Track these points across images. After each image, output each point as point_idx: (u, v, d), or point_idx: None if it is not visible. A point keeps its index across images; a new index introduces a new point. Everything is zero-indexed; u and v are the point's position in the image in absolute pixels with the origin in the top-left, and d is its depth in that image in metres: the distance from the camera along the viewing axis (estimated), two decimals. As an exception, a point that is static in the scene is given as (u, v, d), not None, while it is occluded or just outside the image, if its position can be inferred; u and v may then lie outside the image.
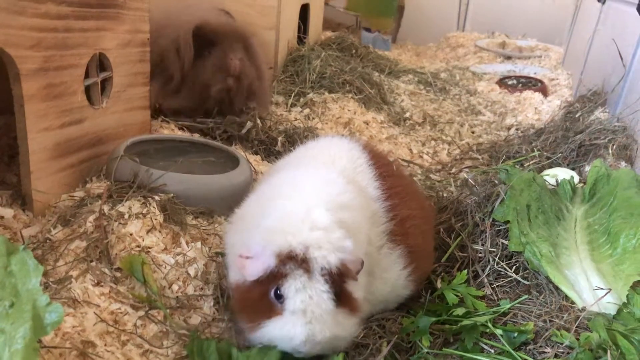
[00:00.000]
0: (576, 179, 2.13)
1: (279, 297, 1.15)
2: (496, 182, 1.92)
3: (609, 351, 1.21)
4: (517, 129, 3.03)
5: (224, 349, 1.19)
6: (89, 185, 1.64)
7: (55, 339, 1.13)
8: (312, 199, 1.22)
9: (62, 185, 1.66)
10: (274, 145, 2.24)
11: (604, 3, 3.37)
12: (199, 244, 1.50)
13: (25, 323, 0.90)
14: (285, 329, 1.13)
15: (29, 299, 0.94)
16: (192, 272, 1.42)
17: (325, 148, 1.54)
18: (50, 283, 1.25)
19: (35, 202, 1.55)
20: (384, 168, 1.51)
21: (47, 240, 1.38)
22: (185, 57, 2.26)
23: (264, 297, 1.15)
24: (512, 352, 1.30)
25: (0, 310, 0.93)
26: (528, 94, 3.50)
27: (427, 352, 1.32)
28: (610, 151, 2.30)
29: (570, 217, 1.85)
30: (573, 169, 2.33)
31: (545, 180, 2.08)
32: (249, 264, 1.15)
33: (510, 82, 3.76)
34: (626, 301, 1.46)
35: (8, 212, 1.49)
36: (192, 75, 2.29)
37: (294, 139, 2.26)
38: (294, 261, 1.13)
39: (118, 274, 1.35)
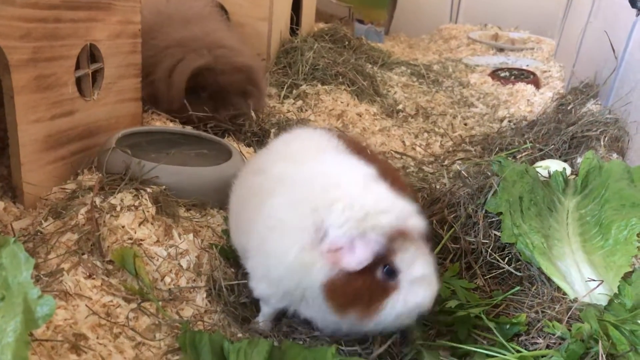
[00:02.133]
0: (568, 170, 2.14)
1: (390, 273, 1.17)
2: (489, 174, 1.92)
3: (600, 342, 1.21)
4: (509, 121, 3.03)
5: (216, 340, 1.19)
6: (80, 178, 1.63)
7: (47, 332, 1.12)
8: (362, 181, 1.25)
9: (53, 178, 1.65)
10: (267, 137, 2.22)
11: (596, -5, 3.37)
12: (191, 236, 1.49)
13: (16, 316, 0.89)
14: (409, 299, 1.17)
15: (19, 292, 0.93)
16: (184, 264, 1.42)
17: (307, 140, 1.51)
18: (42, 276, 1.24)
19: (26, 194, 1.54)
20: (364, 154, 1.50)
21: (38, 233, 1.38)
22: (174, 97, 2.18)
23: (372, 280, 1.16)
24: (505, 343, 1.31)
25: (-9, 304, 0.93)
26: (520, 86, 3.50)
27: (420, 344, 1.33)
28: (602, 143, 2.31)
29: (563, 208, 1.86)
30: (565, 161, 2.33)
31: (537, 172, 2.09)
32: (344, 255, 1.14)
33: (502, 74, 3.76)
34: (617, 292, 1.47)
35: (-2, 205, 1.48)
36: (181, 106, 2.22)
37: (286, 131, 2.25)
38: (400, 236, 1.16)
39: (110, 267, 1.35)
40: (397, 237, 1.16)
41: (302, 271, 1.19)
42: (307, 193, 1.23)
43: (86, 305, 1.21)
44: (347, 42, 3.65)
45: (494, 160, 1.92)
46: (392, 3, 5.21)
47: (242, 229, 1.37)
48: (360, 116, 2.75)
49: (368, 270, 1.15)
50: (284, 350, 1.23)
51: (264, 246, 1.24)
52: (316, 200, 1.20)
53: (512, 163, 1.91)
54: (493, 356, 1.28)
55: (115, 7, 1.85)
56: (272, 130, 2.22)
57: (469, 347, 1.31)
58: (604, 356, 1.19)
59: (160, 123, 2.18)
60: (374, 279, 1.16)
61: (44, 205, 1.53)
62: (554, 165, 2.19)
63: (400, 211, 1.19)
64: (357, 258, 1.14)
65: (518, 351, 1.29)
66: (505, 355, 1.27)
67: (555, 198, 1.88)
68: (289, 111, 2.59)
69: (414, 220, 1.20)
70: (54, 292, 1.22)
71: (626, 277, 1.53)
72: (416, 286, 1.17)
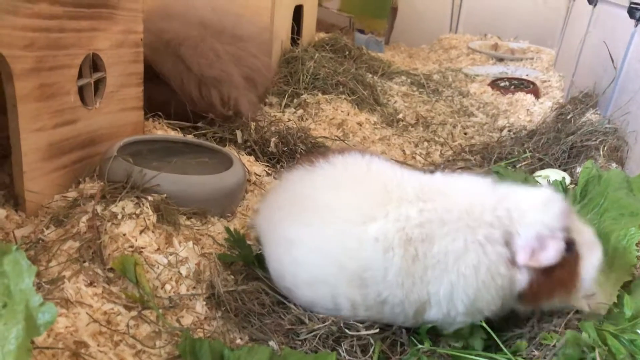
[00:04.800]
0: (568, 180, 2.15)
1: (570, 248, 1.29)
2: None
3: (597, 349, 1.21)
4: (509, 131, 3.05)
5: (216, 348, 1.20)
6: (82, 186, 1.64)
7: (47, 340, 1.13)
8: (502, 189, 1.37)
9: (55, 186, 1.66)
10: (267, 147, 2.24)
11: (595, 5, 3.39)
12: (191, 244, 1.50)
13: (18, 323, 0.89)
14: (594, 259, 1.32)
15: (21, 300, 0.93)
16: (184, 272, 1.42)
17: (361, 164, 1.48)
18: (43, 283, 1.25)
19: (28, 202, 1.55)
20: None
21: (40, 241, 1.38)
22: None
23: (562, 262, 1.27)
24: (505, 349, 1.31)
25: (-7, 311, 0.93)
26: (520, 95, 3.52)
27: (421, 351, 1.33)
28: (601, 153, 2.32)
29: (562, 218, 1.87)
30: (565, 170, 2.35)
31: (537, 181, 2.10)
32: (540, 255, 1.26)
33: (502, 84, 3.78)
34: (616, 301, 1.47)
35: (0, 213, 1.49)
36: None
37: (287, 139, 2.27)
38: (567, 213, 1.30)
39: (111, 274, 1.35)
40: (566, 216, 1.29)
41: (502, 290, 1.29)
42: (471, 220, 1.29)
43: (87, 313, 1.22)
44: (347, 52, 3.68)
45: (494, 170, 1.93)
46: (393, 13, 5.25)
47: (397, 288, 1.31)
48: (361, 125, 2.76)
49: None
50: (284, 357, 1.23)
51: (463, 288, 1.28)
52: (489, 221, 1.28)
53: (511, 172, 1.92)
54: (492, 363, 1.29)
55: (117, 16, 1.87)
56: (272, 140, 2.23)
57: (467, 355, 1.32)
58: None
59: (162, 131, 2.19)
60: (564, 260, 1.28)
61: (45, 213, 1.54)
62: (554, 174, 2.21)
63: (554, 195, 1.33)
64: (554, 251, 1.26)
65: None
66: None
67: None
68: (289, 120, 2.60)
69: (561, 195, 1.34)
70: (55, 299, 1.22)
71: (625, 286, 1.54)
72: (591, 247, 1.33)
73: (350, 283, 1.31)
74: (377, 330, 1.34)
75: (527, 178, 1.89)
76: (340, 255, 1.30)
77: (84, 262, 1.34)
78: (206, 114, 2.32)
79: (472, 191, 1.36)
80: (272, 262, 1.45)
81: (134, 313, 1.27)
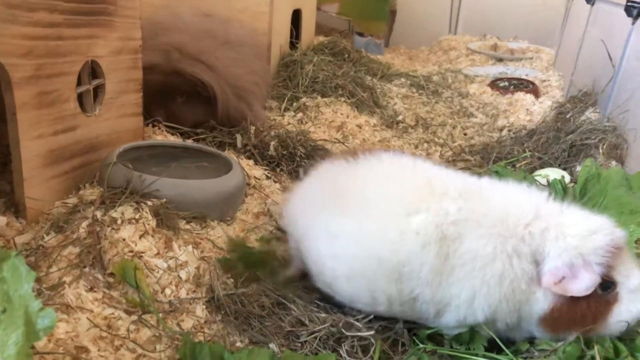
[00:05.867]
0: (567, 178, 2.15)
1: (607, 287, 1.23)
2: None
3: (596, 347, 1.22)
4: (509, 130, 3.05)
5: (216, 351, 1.20)
6: (82, 192, 1.65)
7: (48, 345, 1.14)
8: (555, 206, 1.33)
9: (56, 192, 1.67)
10: (267, 150, 2.25)
11: (593, 4, 3.39)
12: (190, 248, 1.50)
13: (17, 329, 0.90)
14: (632, 308, 1.24)
15: (21, 305, 0.94)
16: (184, 276, 1.43)
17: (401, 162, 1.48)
18: (44, 289, 1.26)
19: (29, 209, 1.56)
20: None
21: (40, 247, 1.39)
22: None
23: (593, 299, 1.23)
24: (507, 350, 1.31)
25: (-7, 317, 0.94)
26: (520, 95, 3.52)
27: (423, 351, 1.33)
28: (600, 151, 2.32)
29: (561, 216, 1.87)
30: (565, 169, 2.35)
31: (536, 180, 2.10)
32: (570, 284, 1.21)
33: (502, 84, 3.79)
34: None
35: (1, 220, 1.50)
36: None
37: (287, 143, 2.28)
38: (615, 251, 1.22)
39: (111, 279, 1.36)
40: (612, 253, 1.22)
41: (519, 305, 1.26)
42: (503, 229, 1.26)
43: (87, 318, 1.23)
44: (346, 55, 3.69)
45: (492, 170, 1.93)
46: (392, 16, 5.26)
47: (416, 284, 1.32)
48: (360, 127, 2.77)
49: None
50: (283, 359, 1.24)
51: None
52: (524, 234, 1.25)
53: (510, 172, 1.92)
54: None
55: (115, 23, 1.88)
56: (272, 143, 2.24)
57: (468, 356, 1.32)
58: (600, 360, 1.19)
59: (162, 137, 2.20)
60: (595, 297, 1.23)
61: (46, 219, 1.55)
62: (553, 173, 2.21)
63: (607, 228, 1.25)
64: (584, 284, 1.20)
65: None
66: (504, 362, 1.28)
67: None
68: (289, 123, 2.61)
69: (619, 232, 1.26)
70: (56, 305, 1.23)
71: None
72: (635, 294, 1.24)
73: (389, 277, 1.31)
74: (374, 332, 1.34)
75: (526, 177, 1.90)
76: (380, 249, 1.30)
77: (84, 267, 1.35)
78: (237, 125, 2.34)
79: (513, 200, 1.33)
80: (311, 256, 1.43)
81: (134, 317, 1.28)
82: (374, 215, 1.33)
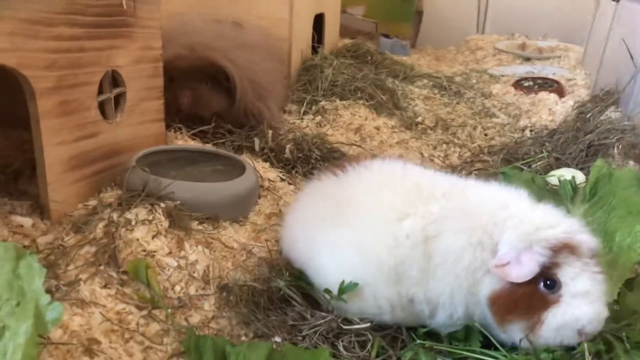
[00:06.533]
0: (582, 178, 2.15)
1: (551, 286, 1.23)
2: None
3: (585, 344, 1.23)
4: (530, 131, 3.04)
5: (219, 344, 1.27)
6: (102, 195, 1.75)
7: (63, 337, 1.23)
8: (527, 201, 1.37)
9: (79, 195, 1.77)
10: (283, 153, 2.32)
11: (618, 1, 3.35)
12: (201, 248, 1.58)
13: (28, 320, 0.99)
14: (568, 312, 1.21)
15: (32, 299, 1.03)
16: (194, 274, 1.51)
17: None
18: (61, 285, 1.35)
19: (53, 211, 1.66)
20: None
21: (60, 247, 1.49)
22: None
23: (533, 292, 1.24)
24: (500, 347, 1.34)
25: (8, 309, 1.04)
26: (543, 95, 3.50)
27: (420, 344, 1.37)
28: (616, 150, 2.31)
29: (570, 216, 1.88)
30: (582, 169, 2.34)
31: (547, 181, 2.11)
32: (511, 268, 1.23)
33: (526, 84, 3.77)
34: (616, 298, 1.49)
35: (27, 221, 1.61)
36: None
37: (302, 146, 2.34)
38: (565, 249, 1.23)
39: (125, 277, 1.45)
40: (562, 250, 1.22)
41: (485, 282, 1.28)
42: (473, 224, 1.30)
43: (100, 313, 1.32)
44: (369, 58, 3.74)
45: (500, 171, 1.95)
46: (418, 16, 5.27)
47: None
48: (378, 129, 2.82)
49: (530, 282, 1.23)
50: (283, 352, 1.30)
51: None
52: (488, 225, 1.29)
53: (518, 172, 1.94)
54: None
55: (136, 34, 1.97)
56: (288, 146, 2.30)
57: (464, 352, 1.35)
58: (589, 356, 1.21)
59: (183, 142, 2.29)
60: (535, 292, 1.23)
61: (68, 221, 1.65)
62: (569, 174, 2.21)
63: (568, 226, 1.27)
64: (523, 270, 1.22)
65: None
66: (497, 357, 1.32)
67: (562, 207, 1.90)
68: (307, 126, 2.67)
69: (583, 236, 1.26)
70: (72, 300, 1.33)
71: (628, 283, 1.55)
72: (578, 300, 1.21)
73: (388, 280, 1.36)
74: (370, 327, 1.39)
75: (534, 178, 1.91)
76: (378, 254, 1.36)
77: (100, 265, 1.45)
78: (256, 124, 2.43)
79: (486, 196, 1.39)
80: (319, 274, 1.47)
81: (144, 312, 1.37)
82: (370, 223, 1.40)
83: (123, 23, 1.90)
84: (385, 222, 1.38)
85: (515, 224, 1.28)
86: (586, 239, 1.26)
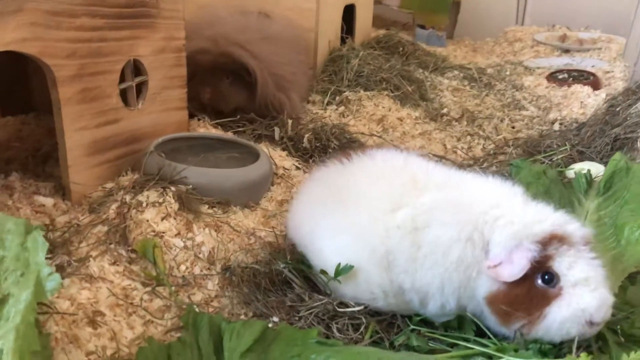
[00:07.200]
0: (601, 172, 2.11)
1: (549, 280, 1.22)
2: (506, 175, 1.95)
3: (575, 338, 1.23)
4: (560, 124, 2.99)
5: (215, 321, 1.33)
6: (120, 178, 1.84)
7: (70, 308, 1.32)
8: (520, 199, 1.36)
9: (99, 178, 1.86)
10: (302, 143, 2.36)
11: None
12: (208, 230, 1.65)
13: (28, 289, 1.07)
14: (573, 303, 1.19)
15: (35, 270, 1.12)
16: (200, 254, 1.58)
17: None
18: (73, 261, 1.44)
19: (73, 192, 1.76)
20: None
21: (76, 225, 1.59)
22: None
23: (531, 289, 1.23)
24: (492, 337, 1.36)
25: (13, 279, 1.12)
26: (576, 87, 3.42)
27: (412, 331, 1.41)
28: (639, 144, 2.26)
29: (582, 209, 1.86)
30: (606, 163, 2.30)
31: (566, 174, 2.09)
32: (503, 269, 1.23)
33: (560, 76, 3.69)
34: (617, 292, 1.47)
35: (49, 201, 1.72)
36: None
37: (320, 136, 2.38)
38: (555, 240, 1.22)
39: (133, 255, 1.53)
40: (551, 242, 1.22)
41: (473, 292, 1.31)
42: (463, 217, 1.31)
43: (107, 288, 1.40)
44: (401, 49, 3.73)
45: (509, 163, 1.94)
46: (456, 7, 5.21)
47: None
48: (401, 120, 2.83)
49: (527, 279, 1.22)
50: (277, 331, 1.35)
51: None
52: (478, 222, 1.29)
53: (529, 165, 1.93)
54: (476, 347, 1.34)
55: (158, 25, 2.05)
56: (306, 136, 2.35)
57: (456, 340, 1.37)
58: (575, 350, 1.21)
59: (205, 130, 2.37)
60: (534, 287, 1.23)
61: (87, 202, 1.75)
62: (590, 167, 2.17)
63: (555, 219, 1.26)
64: (514, 268, 1.21)
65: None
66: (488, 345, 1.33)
67: (575, 199, 1.88)
68: (329, 116, 2.71)
69: (571, 226, 1.25)
70: (81, 275, 1.41)
71: (632, 277, 1.53)
72: (580, 289, 1.20)
73: (379, 265, 1.40)
74: (362, 307, 1.43)
75: (546, 171, 1.90)
76: (372, 240, 1.40)
77: (110, 244, 1.53)
78: (274, 112, 2.49)
79: (479, 191, 1.39)
80: (319, 257, 1.52)
81: (148, 289, 1.44)
82: (367, 211, 1.43)
83: (145, 14, 1.98)
84: (381, 211, 1.42)
85: (505, 223, 1.28)
86: (576, 228, 1.26)
